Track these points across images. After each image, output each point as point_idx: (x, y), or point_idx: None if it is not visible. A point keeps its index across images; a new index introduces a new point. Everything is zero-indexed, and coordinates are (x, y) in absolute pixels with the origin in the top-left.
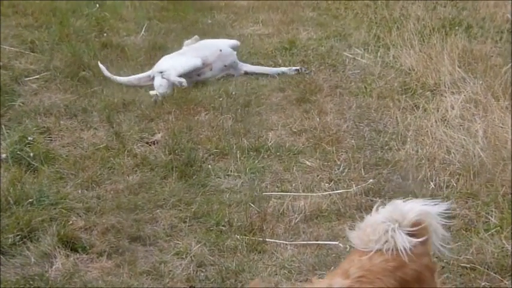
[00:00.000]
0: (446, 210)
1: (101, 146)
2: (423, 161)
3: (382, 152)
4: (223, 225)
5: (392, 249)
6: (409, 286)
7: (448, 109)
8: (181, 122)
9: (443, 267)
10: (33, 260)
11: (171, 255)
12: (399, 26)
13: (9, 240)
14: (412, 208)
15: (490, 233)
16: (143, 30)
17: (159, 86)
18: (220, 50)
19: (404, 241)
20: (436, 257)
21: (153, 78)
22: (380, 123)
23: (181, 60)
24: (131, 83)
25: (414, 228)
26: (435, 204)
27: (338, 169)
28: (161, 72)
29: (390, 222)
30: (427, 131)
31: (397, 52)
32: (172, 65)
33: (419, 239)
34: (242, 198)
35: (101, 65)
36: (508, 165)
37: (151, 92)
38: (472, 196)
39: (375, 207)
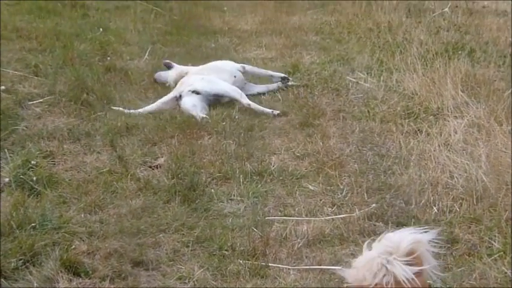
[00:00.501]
0: (437, 237)
1: (104, 170)
2: (426, 186)
3: (385, 176)
4: (226, 250)
5: (391, 282)
6: None
7: (451, 133)
8: (184, 146)
9: None
10: (35, 284)
11: (174, 280)
12: (402, 50)
13: (12, 264)
14: (404, 238)
15: (493, 258)
16: (147, 54)
17: (193, 105)
18: (235, 76)
19: (404, 271)
20: (439, 283)
21: (179, 98)
22: (383, 147)
23: (218, 82)
24: (160, 108)
25: (409, 258)
26: (425, 232)
27: (341, 193)
28: (194, 91)
29: (385, 256)
30: (430, 156)
31: (400, 76)
32: (209, 85)
33: (419, 267)
34: (245, 223)
35: (117, 108)
36: (511, 190)
37: (197, 114)
38: (475, 221)
39: (365, 244)
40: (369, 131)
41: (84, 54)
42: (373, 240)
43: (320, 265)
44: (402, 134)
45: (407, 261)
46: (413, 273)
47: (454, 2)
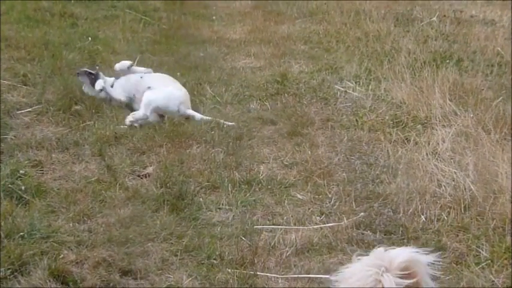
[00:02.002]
0: (436, 261)
1: (93, 179)
2: (414, 194)
3: (373, 185)
4: (214, 259)
5: None
6: None
7: (439, 142)
8: (173, 155)
9: None
10: None
11: None
12: (390, 59)
13: (0, 274)
14: (400, 253)
15: (480, 266)
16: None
17: None
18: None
19: (394, 283)
20: None
21: None
22: (371, 156)
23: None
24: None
25: (402, 273)
26: (425, 253)
27: (329, 202)
28: None
29: (376, 268)
30: (418, 164)
31: (389, 85)
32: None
33: (410, 281)
34: (233, 232)
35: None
36: (498, 199)
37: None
38: (463, 229)
39: (353, 256)
40: (357, 140)
41: (73, 64)
42: (364, 250)
43: (308, 274)
44: (390, 143)
45: (399, 275)
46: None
47: (442, 12)
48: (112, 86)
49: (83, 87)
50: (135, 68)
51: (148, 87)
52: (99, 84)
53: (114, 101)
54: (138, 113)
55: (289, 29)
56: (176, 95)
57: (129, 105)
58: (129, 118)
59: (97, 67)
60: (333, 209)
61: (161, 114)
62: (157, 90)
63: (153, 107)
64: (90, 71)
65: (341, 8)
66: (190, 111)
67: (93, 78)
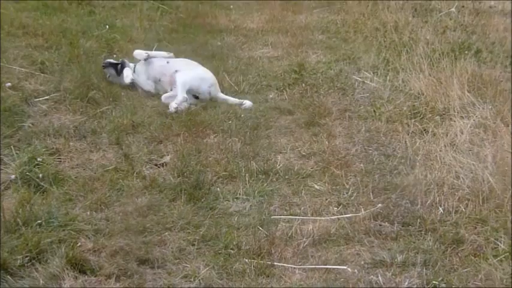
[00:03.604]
0: None
1: (110, 167)
2: (432, 186)
3: (390, 176)
4: (231, 249)
5: None
6: None
7: (457, 134)
8: (190, 145)
9: None
10: (41, 281)
11: (179, 278)
12: (408, 50)
13: (18, 261)
14: None
15: (498, 259)
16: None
17: None
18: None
19: None
20: (444, 283)
21: None
22: (389, 147)
23: None
24: None
25: None
26: None
27: (347, 193)
28: None
29: None
30: (436, 156)
31: (407, 76)
32: None
33: None
34: (250, 222)
35: None
36: None
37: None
38: (481, 221)
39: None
40: (375, 130)
41: (90, 52)
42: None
43: (325, 264)
44: (408, 134)
45: None
46: None
47: (460, 2)
48: (134, 71)
49: (108, 77)
50: (155, 52)
51: (176, 71)
52: (128, 77)
53: (141, 90)
54: (178, 98)
55: (306, 19)
56: (207, 76)
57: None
58: (173, 105)
59: (114, 55)
60: (351, 199)
61: (196, 95)
62: (188, 71)
63: (188, 88)
64: (114, 61)
65: None
66: (222, 95)
67: (120, 68)
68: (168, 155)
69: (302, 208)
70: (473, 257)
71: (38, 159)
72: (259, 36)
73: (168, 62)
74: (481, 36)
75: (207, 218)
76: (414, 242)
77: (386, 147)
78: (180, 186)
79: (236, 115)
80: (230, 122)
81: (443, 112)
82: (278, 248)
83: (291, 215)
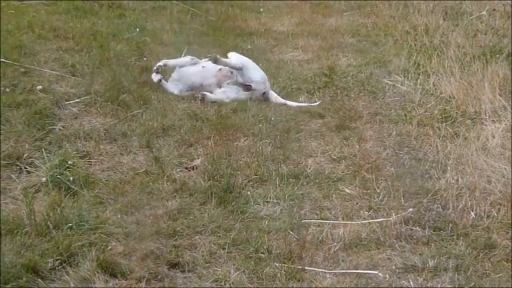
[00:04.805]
0: None
1: (141, 170)
2: (463, 190)
3: (422, 180)
4: (262, 253)
5: None
6: None
7: (489, 138)
8: (221, 148)
9: None
10: (72, 285)
11: (210, 282)
12: (439, 53)
13: (49, 264)
14: None
15: None
16: (183, 54)
17: None
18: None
19: None
20: None
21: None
22: (420, 151)
23: None
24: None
25: None
26: None
27: (377, 197)
28: None
29: None
30: (467, 160)
31: (437, 79)
32: None
33: None
34: (281, 226)
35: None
36: None
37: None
38: None
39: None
40: (406, 134)
41: (120, 55)
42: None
43: (357, 269)
44: (439, 138)
45: None
46: None
47: (491, 5)
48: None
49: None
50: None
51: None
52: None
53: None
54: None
55: (337, 22)
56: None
57: None
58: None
59: (144, 59)
60: (381, 204)
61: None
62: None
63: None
64: None
65: (389, 1)
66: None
67: None
68: (198, 158)
69: (333, 212)
70: (505, 262)
71: (69, 162)
72: (289, 40)
73: (203, 67)
74: None
75: (237, 221)
76: (446, 247)
77: (417, 151)
78: (211, 189)
79: (266, 118)
80: (260, 125)
81: (475, 116)
82: (309, 252)
83: (321, 219)
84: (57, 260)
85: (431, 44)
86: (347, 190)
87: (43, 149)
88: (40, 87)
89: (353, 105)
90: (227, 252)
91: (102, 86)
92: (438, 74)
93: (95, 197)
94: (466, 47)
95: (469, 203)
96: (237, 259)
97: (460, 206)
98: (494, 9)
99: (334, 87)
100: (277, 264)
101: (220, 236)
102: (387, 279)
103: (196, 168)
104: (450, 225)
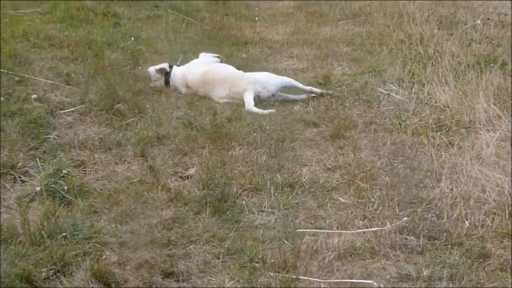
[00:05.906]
0: None
1: (135, 180)
2: (458, 200)
3: (416, 189)
4: (256, 262)
5: None
6: None
7: (483, 147)
8: (215, 157)
9: None
10: None
11: None
12: (434, 63)
13: (43, 274)
14: None
15: None
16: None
17: None
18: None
19: None
20: None
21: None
22: (414, 160)
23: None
24: None
25: None
26: None
27: (372, 206)
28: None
29: None
30: (461, 169)
31: (432, 88)
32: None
33: None
34: (276, 235)
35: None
36: None
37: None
38: (508, 236)
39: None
40: (401, 143)
41: (115, 63)
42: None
43: (351, 278)
44: (434, 147)
45: None
46: None
47: (486, 14)
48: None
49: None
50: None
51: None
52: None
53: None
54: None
55: (331, 31)
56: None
57: None
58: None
59: (139, 67)
60: (376, 213)
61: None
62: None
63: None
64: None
65: (384, 10)
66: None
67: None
68: (193, 167)
69: (327, 221)
70: (499, 272)
71: (63, 171)
72: (284, 48)
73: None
74: (507, 48)
75: (232, 231)
76: (440, 256)
77: (411, 161)
78: (205, 198)
79: (261, 127)
80: (255, 134)
81: (469, 125)
82: (303, 262)
83: (316, 228)
84: (51, 269)
85: (425, 53)
86: (342, 199)
87: (37, 158)
88: (35, 96)
89: (348, 114)
90: (221, 262)
91: (97, 95)
92: (433, 83)
93: (89, 206)
94: (461, 56)
95: (464, 212)
96: (231, 268)
97: (455, 215)
98: (488, 19)
99: (328, 96)
100: (271, 274)
101: (214, 245)
102: None
103: (191, 177)
104: (445, 234)
